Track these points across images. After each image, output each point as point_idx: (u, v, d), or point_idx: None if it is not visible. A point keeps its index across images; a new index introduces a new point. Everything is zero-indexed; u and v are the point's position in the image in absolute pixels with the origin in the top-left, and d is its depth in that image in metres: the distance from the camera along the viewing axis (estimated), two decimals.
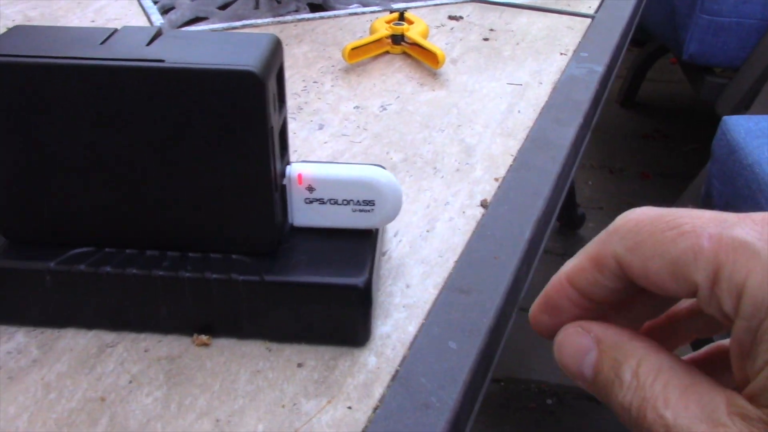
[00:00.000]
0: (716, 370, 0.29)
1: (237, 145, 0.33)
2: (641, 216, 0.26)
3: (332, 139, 0.55)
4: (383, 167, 0.38)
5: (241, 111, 0.32)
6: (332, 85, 0.64)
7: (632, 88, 2.14)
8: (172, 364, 0.36)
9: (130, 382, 0.35)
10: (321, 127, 0.57)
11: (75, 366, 0.36)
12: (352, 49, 0.66)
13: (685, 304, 0.30)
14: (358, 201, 0.37)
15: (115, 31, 0.36)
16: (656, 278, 0.25)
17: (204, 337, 0.37)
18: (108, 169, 0.35)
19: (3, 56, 0.33)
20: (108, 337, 0.38)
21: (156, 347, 0.37)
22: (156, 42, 0.34)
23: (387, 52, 0.70)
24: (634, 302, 0.30)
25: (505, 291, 0.41)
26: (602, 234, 0.27)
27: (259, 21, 0.76)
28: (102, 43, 0.34)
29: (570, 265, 0.28)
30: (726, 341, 0.27)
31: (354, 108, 0.60)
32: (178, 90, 0.32)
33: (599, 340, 0.28)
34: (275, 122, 0.34)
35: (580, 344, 0.28)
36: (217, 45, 0.34)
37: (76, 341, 0.37)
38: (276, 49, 0.35)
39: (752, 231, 0.23)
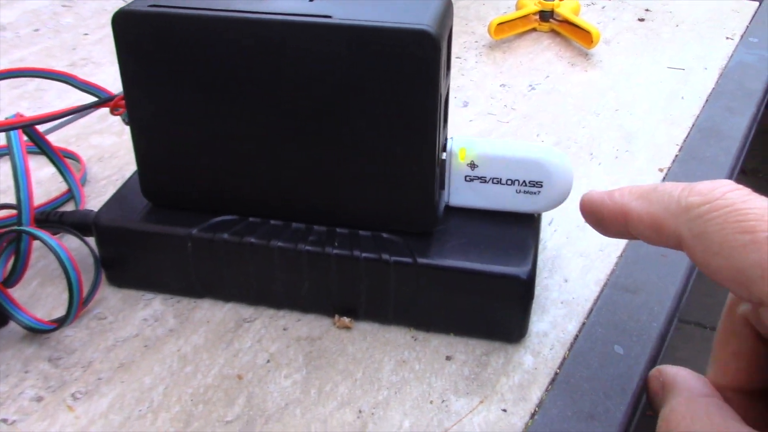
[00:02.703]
0: None
1: (402, 111, 0.30)
2: (716, 200, 0.24)
3: (478, 118, 0.52)
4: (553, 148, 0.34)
5: (411, 74, 0.29)
6: (476, 62, 0.60)
7: None
8: (312, 345, 0.34)
9: (268, 361, 0.33)
10: (466, 105, 0.53)
11: (212, 339, 0.34)
12: (499, 24, 0.62)
13: None
14: (524, 182, 0.33)
15: None
16: (716, 275, 0.24)
17: (346, 320, 0.35)
18: (260, 133, 0.32)
19: (160, 7, 0.31)
20: (246, 311, 0.35)
21: (295, 326, 0.35)
22: None
23: (534, 29, 0.65)
24: None
25: (676, 293, 0.37)
26: (672, 201, 0.26)
27: None
28: None
29: (633, 206, 0.28)
30: None
31: (500, 86, 0.56)
32: (345, 49, 0.29)
33: (663, 384, 0.28)
34: (443, 89, 0.31)
35: (654, 389, 0.29)
36: (386, 2, 0.31)
37: (213, 313, 0.35)
38: (448, 10, 0.31)
39: None
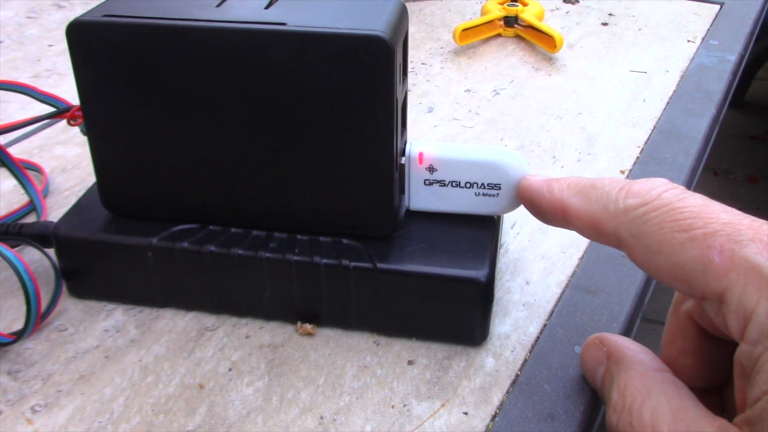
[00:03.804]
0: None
1: (359, 117, 0.30)
2: (653, 201, 0.25)
3: (443, 123, 0.52)
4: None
5: (366, 80, 0.29)
6: (441, 68, 0.60)
7: (741, 86, 2.03)
8: (275, 353, 0.34)
9: (230, 369, 0.33)
10: (430, 110, 0.54)
11: (173, 349, 0.34)
12: (463, 30, 0.62)
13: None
14: (482, 184, 0.34)
15: None
16: (658, 273, 0.24)
17: (308, 326, 0.35)
18: (217, 140, 0.32)
19: (114, 17, 0.31)
20: (208, 320, 0.35)
21: (257, 334, 0.35)
22: (275, 5, 0.32)
23: (499, 35, 0.66)
24: None
25: (636, 293, 0.37)
26: (610, 201, 0.26)
27: None
28: (218, 6, 0.32)
29: (572, 202, 0.28)
30: None
31: (465, 91, 0.56)
32: (300, 56, 0.29)
33: (609, 354, 0.28)
34: (399, 94, 0.31)
35: (595, 357, 0.29)
36: (340, 9, 0.31)
37: (175, 323, 0.35)
38: (402, 15, 0.32)
39: (765, 252, 0.22)
